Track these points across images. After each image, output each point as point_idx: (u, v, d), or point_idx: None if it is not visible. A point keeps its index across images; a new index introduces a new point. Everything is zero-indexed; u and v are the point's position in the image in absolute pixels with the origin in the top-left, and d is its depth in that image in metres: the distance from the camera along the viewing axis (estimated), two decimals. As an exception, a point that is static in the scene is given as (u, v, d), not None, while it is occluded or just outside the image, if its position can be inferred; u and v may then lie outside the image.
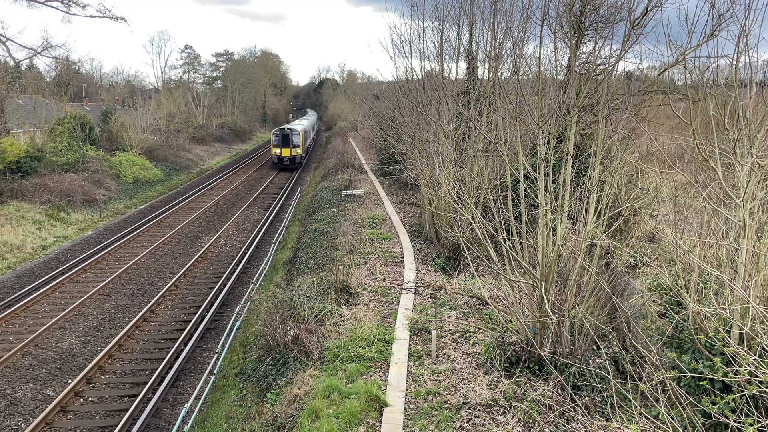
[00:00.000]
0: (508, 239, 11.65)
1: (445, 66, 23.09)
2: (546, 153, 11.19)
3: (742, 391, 7.20)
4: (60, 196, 33.34)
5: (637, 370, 9.31)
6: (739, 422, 7.15)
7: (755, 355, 7.42)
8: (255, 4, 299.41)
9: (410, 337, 13.71)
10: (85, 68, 78.60)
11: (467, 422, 10.02)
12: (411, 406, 10.72)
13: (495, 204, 12.29)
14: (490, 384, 11.15)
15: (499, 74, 18.46)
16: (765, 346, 7.39)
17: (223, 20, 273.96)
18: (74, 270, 23.60)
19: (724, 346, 7.56)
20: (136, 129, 51.42)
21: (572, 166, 12.05)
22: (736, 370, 7.22)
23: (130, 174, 43.95)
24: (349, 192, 33.99)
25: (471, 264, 14.73)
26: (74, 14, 52.73)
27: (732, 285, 7.99)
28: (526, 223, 11.80)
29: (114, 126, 50.15)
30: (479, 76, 21.97)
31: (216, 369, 15.75)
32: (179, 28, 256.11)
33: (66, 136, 41.58)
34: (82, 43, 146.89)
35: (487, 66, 20.52)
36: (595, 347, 11.06)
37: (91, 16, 52.83)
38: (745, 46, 8.38)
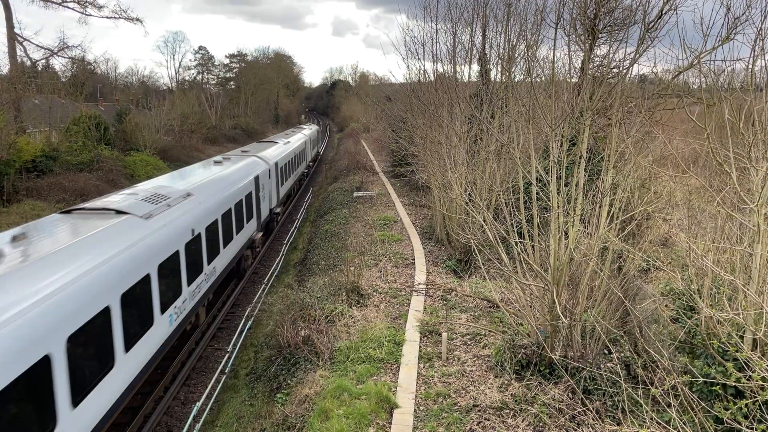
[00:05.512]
0: (520, 242, 11.62)
1: (457, 68, 23.13)
2: (559, 156, 11.16)
3: (755, 397, 7.14)
4: (75, 195, 33.69)
5: (649, 375, 9.26)
6: (752, 428, 7.11)
7: (769, 360, 7.36)
8: (266, 5, 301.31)
9: (420, 338, 13.71)
10: (101, 69, 79.37)
11: (477, 425, 10.00)
12: (421, 408, 10.73)
13: (507, 206, 12.28)
14: (501, 387, 11.13)
15: (512, 77, 18.46)
16: (779, 352, 7.34)
17: (234, 23, 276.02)
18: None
19: (737, 351, 7.52)
20: (150, 129, 51.88)
21: (585, 170, 12.02)
22: (749, 376, 7.18)
23: (144, 174, 44.30)
24: (360, 193, 34.05)
25: (482, 266, 14.70)
26: (90, 15, 53.55)
27: (746, 290, 7.94)
28: (538, 226, 11.77)
29: (128, 126, 50.61)
30: (492, 79, 21.95)
31: (227, 368, 15.84)
32: (192, 29, 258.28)
33: (81, 136, 42.02)
34: (98, 44, 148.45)
35: (500, 68, 20.50)
36: (606, 351, 11.01)
37: (107, 17, 53.64)
38: (761, 49, 8.34)
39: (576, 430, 9.45)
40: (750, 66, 8.49)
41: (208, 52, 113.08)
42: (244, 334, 17.77)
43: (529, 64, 13.96)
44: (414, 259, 20.46)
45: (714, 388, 8.21)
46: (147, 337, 11.79)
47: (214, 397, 14.31)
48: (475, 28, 22.15)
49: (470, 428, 9.93)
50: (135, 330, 11.14)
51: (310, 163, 57.46)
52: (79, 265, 9.69)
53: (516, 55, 18.39)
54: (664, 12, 11.68)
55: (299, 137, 47.88)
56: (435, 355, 12.85)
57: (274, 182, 29.28)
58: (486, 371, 11.92)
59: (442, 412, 10.48)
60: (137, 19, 55.14)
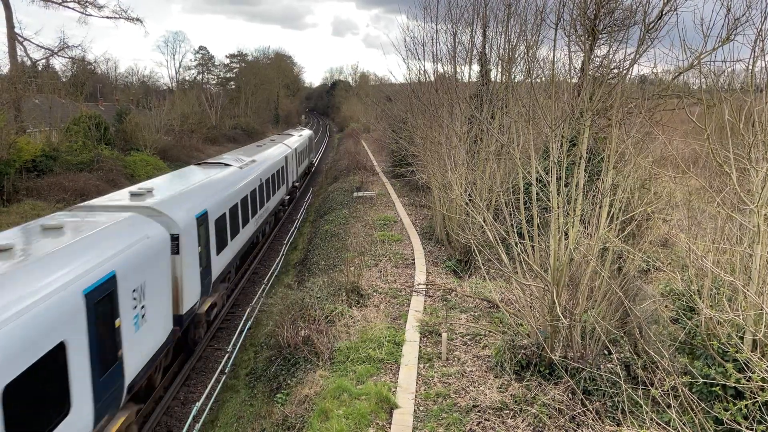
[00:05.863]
0: (520, 242, 11.63)
1: (457, 68, 23.13)
2: (559, 156, 11.17)
3: (755, 398, 7.15)
4: (75, 195, 33.67)
5: (649, 376, 9.26)
6: (752, 429, 7.11)
7: (769, 361, 7.37)
8: (266, 5, 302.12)
9: (420, 339, 13.71)
10: (101, 68, 79.41)
11: (477, 425, 10.01)
12: (421, 408, 10.73)
13: (507, 207, 12.29)
14: (500, 387, 11.13)
15: (512, 77, 18.46)
16: (779, 353, 7.34)
17: (234, 23, 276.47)
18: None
19: (737, 352, 7.52)
20: (150, 129, 51.90)
21: (585, 170, 12.02)
22: (749, 377, 7.19)
23: (144, 174, 44.27)
24: (360, 193, 34.04)
25: (482, 267, 14.70)
26: (90, 15, 53.52)
27: (746, 291, 7.94)
28: (538, 226, 11.78)
29: (128, 126, 50.61)
30: (492, 79, 21.96)
31: (227, 368, 15.84)
32: (192, 29, 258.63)
33: (81, 136, 42.01)
34: (98, 44, 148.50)
35: (500, 69, 20.51)
36: (606, 352, 11.02)
37: (107, 17, 53.59)
38: (761, 50, 8.35)
39: (576, 430, 9.45)
40: (750, 67, 8.49)
41: (209, 52, 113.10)
42: (244, 334, 17.78)
43: (529, 64, 13.98)
44: (414, 260, 20.46)
45: (714, 388, 8.22)
46: None
47: (213, 397, 14.31)
48: (476, 29, 22.18)
49: (470, 428, 9.93)
50: None
51: (296, 183, 41.01)
52: None
53: (516, 56, 18.41)
54: (664, 12, 11.69)
55: (277, 152, 33.11)
56: (435, 355, 12.85)
57: (191, 267, 15.10)
58: (486, 371, 11.92)
59: (441, 412, 10.48)
60: (137, 19, 55.25)
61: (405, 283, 18.04)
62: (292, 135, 47.13)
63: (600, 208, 11.36)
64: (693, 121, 9.59)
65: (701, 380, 8.18)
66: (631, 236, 13.03)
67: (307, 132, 56.73)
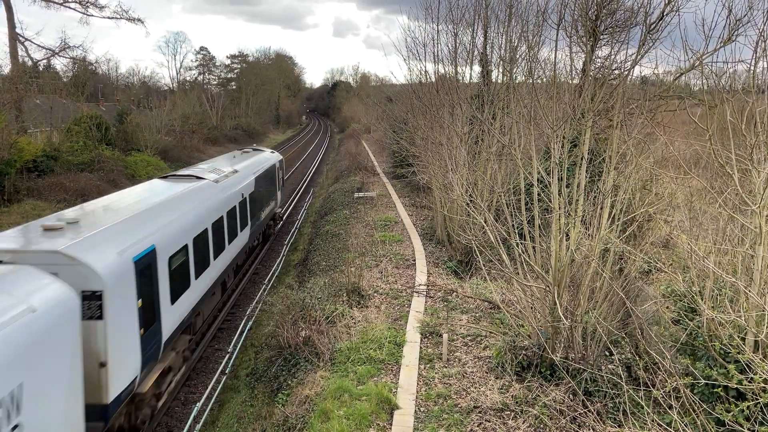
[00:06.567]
0: (521, 243, 11.61)
1: (458, 69, 23.13)
2: (560, 157, 11.15)
3: (757, 399, 7.13)
4: (75, 195, 33.68)
5: (650, 377, 9.24)
6: (753, 430, 7.10)
7: (770, 363, 7.34)
8: (266, 5, 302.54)
9: (421, 340, 13.70)
10: (102, 69, 79.43)
11: (478, 426, 10.00)
12: (421, 409, 10.72)
13: (508, 208, 12.27)
14: (501, 388, 11.12)
15: (513, 78, 18.45)
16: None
17: (235, 23, 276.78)
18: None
19: (738, 353, 7.51)
20: (151, 129, 51.84)
21: (586, 171, 12.01)
22: (751, 378, 7.17)
23: (145, 174, 44.27)
24: (361, 194, 34.00)
25: (483, 267, 14.68)
26: (92, 15, 53.52)
27: (747, 292, 7.92)
28: (539, 227, 11.76)
29: (129, 126, 50.58)
30: (493, 80, 21.94)
31: (228, 369, 15.83)
32: (193, 30, 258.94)
33: (82, 136, 42.01)
34: (99, 44, 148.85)
35: (501, 69, 20.50)
36: (607, 353, 11.00)
37: (108, 17, 53.25)
38: (763, 51, 8.34)
39: (577, 431, 9.44)
40: (752, 67, 8.49)
41: (210, 53, 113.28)
42: (244, 334, 17.77)
43: (531, 65, 13.97)
44: (415, 260, 20.45)
45: (715, 390, 8.21)
46: None
47: (214, 398, 14.31)
48: (477, 29, 22.16)
49: (471, 429, 9.92)
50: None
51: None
52: None
53: (517, 56, 18.41)
54: (665, 13, 11.69)
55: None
56: (436, 356, 12.84)
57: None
58: (487, 372, 11.91)
59: (442, 413, 10.47)
60: (138, 20, 55.17)
61: (406, 283, 18.03)
62: (195, 183, 17.88)
63: (601, 208, 11.35)
64: (694, 122, 9.58)
65: (703, 381, 8.17)
66: (633, 237, 13.02)
67: (269, 157, 29.10)
